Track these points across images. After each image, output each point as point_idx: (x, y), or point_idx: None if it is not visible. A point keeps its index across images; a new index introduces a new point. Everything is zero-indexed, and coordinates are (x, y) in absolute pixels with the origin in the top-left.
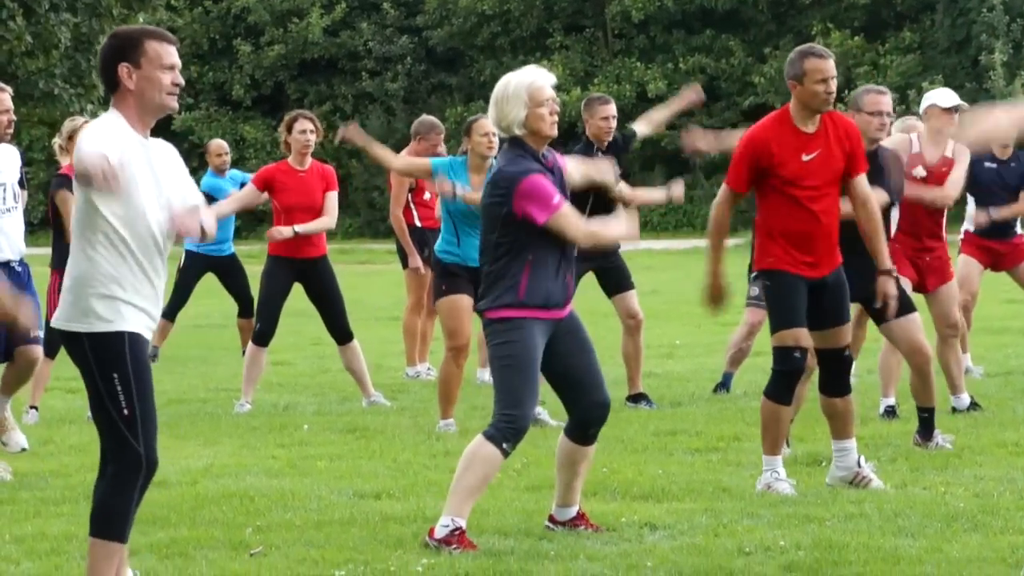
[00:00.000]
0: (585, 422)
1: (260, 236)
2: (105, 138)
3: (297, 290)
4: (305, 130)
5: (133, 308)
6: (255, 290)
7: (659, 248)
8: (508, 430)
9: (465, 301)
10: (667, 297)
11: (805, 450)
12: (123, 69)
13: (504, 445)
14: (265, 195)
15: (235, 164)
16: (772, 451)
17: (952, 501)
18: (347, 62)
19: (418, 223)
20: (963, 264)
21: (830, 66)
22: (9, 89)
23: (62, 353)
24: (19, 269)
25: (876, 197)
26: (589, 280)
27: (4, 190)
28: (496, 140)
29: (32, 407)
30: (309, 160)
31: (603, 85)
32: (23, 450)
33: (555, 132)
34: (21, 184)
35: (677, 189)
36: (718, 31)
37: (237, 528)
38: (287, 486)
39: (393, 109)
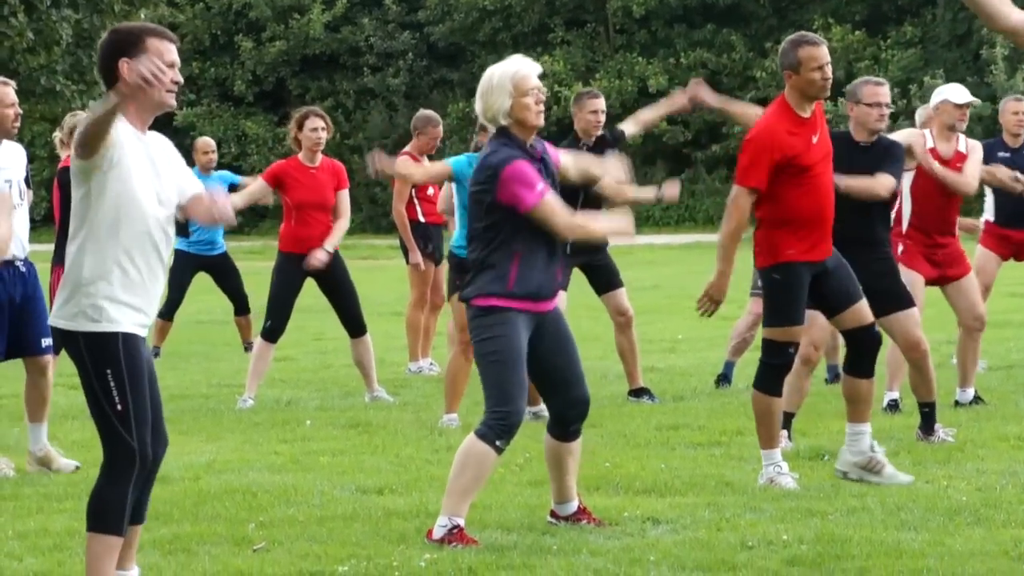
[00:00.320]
0: (564, 419)
1: (262, 232)
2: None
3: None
4: (316, 127)
5: (128, 308)
6: (263, 288)
7: (660, 243)
8: (499, 427)
9: None
10: (669, 292)
11: (807, 444)
12: (123, 65)
13: (497, 443)
14: (274, 191)
15: (236, 159)
16: (769, 444)
17: (954, 495)
18: (348, 58)
19: (421, 218)
20: (980, 256)
21: (824, 52)
22: (12, 83)
23: (64, 350)
24: (24, 269)
25: (883, 182)
26: (580, 276)
27: (10, 187)
28: None
29: None
30: (320, 157)
31: (604, 80)
32: (77, 468)
33: (541, 121)
34: (27, 183)
35: (671, 190)
36: (719, 25)
37: (240, 524)
38: (290, 482)
39: (395, 105)
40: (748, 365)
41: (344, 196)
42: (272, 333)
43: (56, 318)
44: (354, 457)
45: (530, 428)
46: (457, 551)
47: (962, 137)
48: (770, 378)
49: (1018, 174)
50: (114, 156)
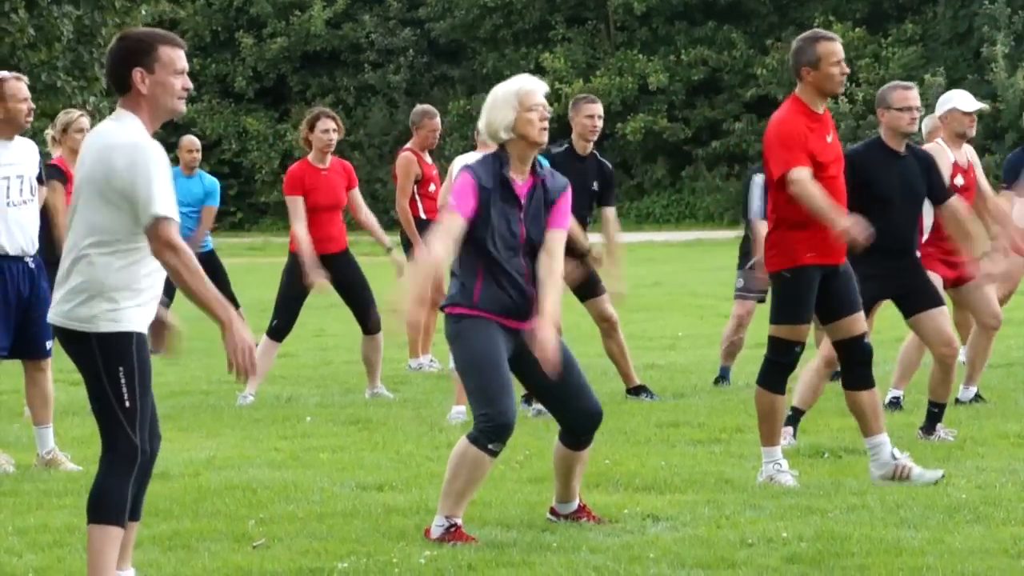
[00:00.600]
0: (575, 430)
1: (262, 229)
2: None
3: None
4: (328, 128)
5: (143, 309)
6: (264, 285)
7: (661, 240)
8: (488, 429)
9: None
10: (670, 288)
11: (807, 442)
12: (137, 74)
13: (489, 446)
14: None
15: (237, 156)
16: (770, 442)
17: (954, 492)
18: (349, 54)
19: (423, 215)
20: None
21: (841, 48)
22: (25, 78)
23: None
24: (32, 265)
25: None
26: None
27: (22, 182)
28: None
29: None
30: (329, 157)
31: (605, 77)
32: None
33: (544, 138)
34: (39, 179)
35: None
36: (720, 23)
37: (240, 520)
38: (290, 478)
39: (396, 101)
40: (749, 363)
41: (356, 194)
42: (278, 332)
43: (65, 318)
44: (354, 454)
45: (530, 425)
46: (457, 548)
47: (967, 145)
48: (775, 376)
49: None
50: None
